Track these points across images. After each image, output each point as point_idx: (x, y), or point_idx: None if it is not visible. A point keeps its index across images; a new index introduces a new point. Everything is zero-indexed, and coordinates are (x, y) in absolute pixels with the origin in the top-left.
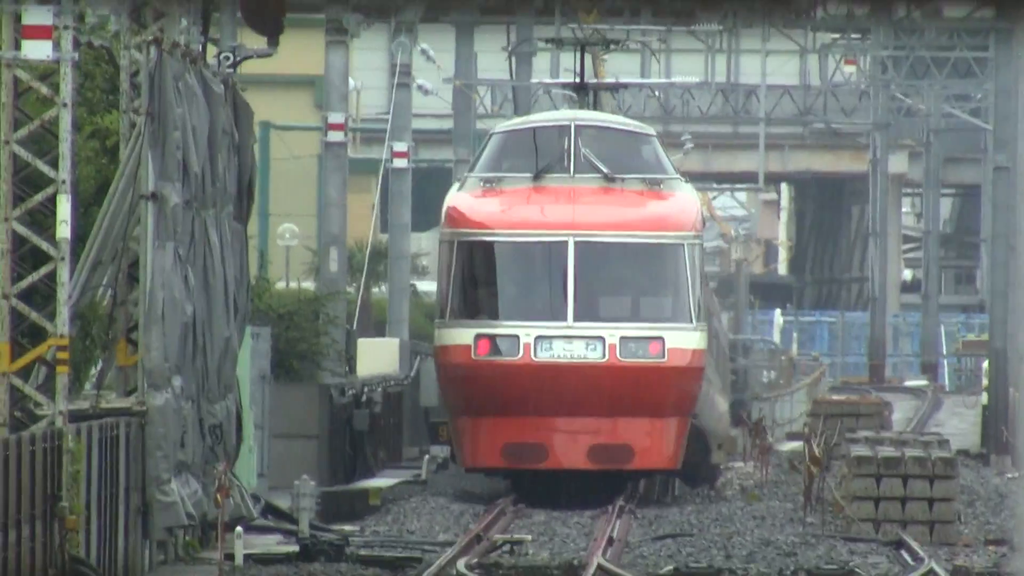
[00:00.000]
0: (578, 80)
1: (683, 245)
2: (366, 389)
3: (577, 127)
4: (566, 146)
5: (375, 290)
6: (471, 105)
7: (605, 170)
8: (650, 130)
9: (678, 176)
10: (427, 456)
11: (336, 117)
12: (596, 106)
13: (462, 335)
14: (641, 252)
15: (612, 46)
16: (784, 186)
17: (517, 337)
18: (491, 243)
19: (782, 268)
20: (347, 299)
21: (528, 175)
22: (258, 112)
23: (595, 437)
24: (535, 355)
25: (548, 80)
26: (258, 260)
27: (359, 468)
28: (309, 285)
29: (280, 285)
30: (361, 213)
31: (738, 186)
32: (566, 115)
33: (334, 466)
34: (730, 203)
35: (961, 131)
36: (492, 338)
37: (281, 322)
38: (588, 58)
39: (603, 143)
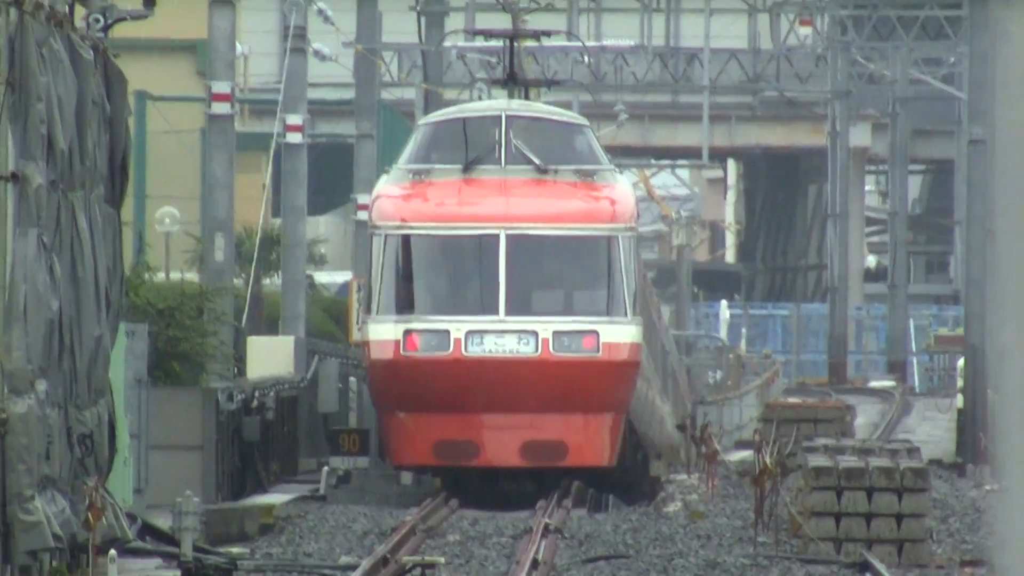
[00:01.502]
0: (507, 75)
1: (618, 237)
2: (257, 394)
3: (508, 118)
4: (497, 137)
5: (267, 282)
6: (375, 73)
7: (537, 161)
8: (584, 121)
9: (612, 167)
10: (326, 468)
11: (221, 87)
12: (527, 91)
13: (390, 330)
14: (575, 245)
15: (535, 3)
16: (731, 162)
17: (447, 332)
18: (420, 236)
19: (730, 255)
20: (235, 293)
21: (458, 167)
22: (133, 81)
23: (528, 434)
24: (466, 350)
25: (463, 44)
26: (134, 248)
27: (249, 483)
28: (192, 277)
29: (159, 277)
30: (250, 195)
31: (680, 162)
32: (497, 105)
33: (221, 481)
34: (671, 181)
35: (931, 100)
36: (421, 333)
37: (160, 319)
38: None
39: (535, 134)
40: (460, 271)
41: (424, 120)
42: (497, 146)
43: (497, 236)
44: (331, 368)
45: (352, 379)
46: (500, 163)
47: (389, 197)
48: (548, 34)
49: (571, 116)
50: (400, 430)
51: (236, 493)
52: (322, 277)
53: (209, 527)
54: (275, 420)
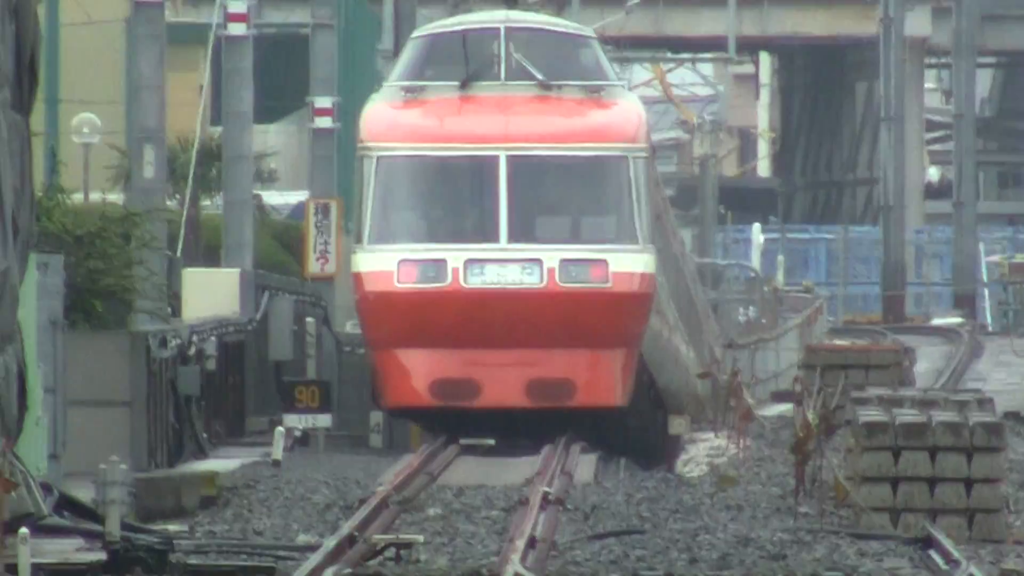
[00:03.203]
0: None
1: (627, 158)
2: (196, 338)
3: (508, 30)
4: (496, 51)
5: (206, 204)
6: None
7: (540, 77)
8: (590, 32)
9: (621, 83)
10: (280, 429)
11: None
12: None
13: (383, 260)
14: (581, 166)
15: None
16: (764, 56)
17: (445, 261)
18: (414, 158)
19: (763, 168)
20: (168, 216)
21: (454, 83)
22: None
23: (533, 371)
24: (465, 281)
25: None
26: (46, 164)
27: (187, 446)
28: (116, 197)
29: (77, 198)
30: (185, 99)
31: (702, 56)
32: (496, 16)
33: (153, 444)
34: (691, 79)
35: None
36: (417, 263)
37: (78, 248)
38: None
39: (537, 47)
40: (458, 196)
41: (417, 33)
42: (496, 60)
43: (497, 157)
44: (284, 307)
45: (310, 320)
46: (500, 79)
47: (379, 116)
48: None
49: (576, 27)
50: (394, 368)
51: (172, 459)
52: (272, 198)
53: (140, 500)
54: (218, 370)
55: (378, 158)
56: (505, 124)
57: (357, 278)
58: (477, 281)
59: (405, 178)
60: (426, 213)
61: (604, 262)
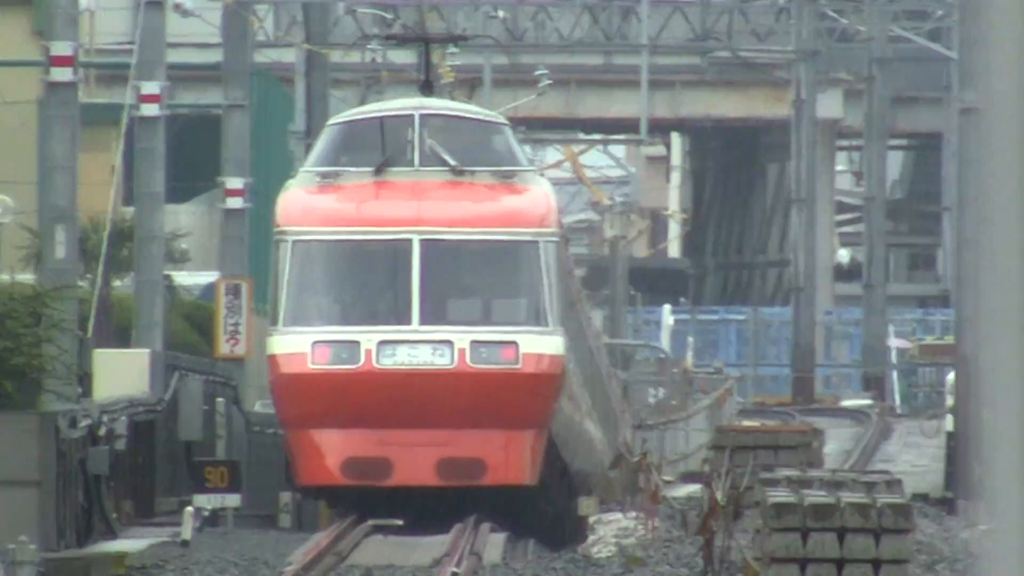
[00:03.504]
0: (422, 79)
1: (538, 243)
2: (106, 418)
3: (422, 116)
4: (410, 137)
5: (117, 284)
6: (247, 31)
7: (453, 163)
8: (503, 120)
9: (533, 168)
10: (190, 509)
11: (62, 48)
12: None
13: (297, 342)
14: (492, 250)
15: None
16: (676, 138)
17: (358, 343)
18: (329, 242)
19: (674, 249)
20: (79, 296)
21: (369, 169)
22: None
23: (444, 451)
24: (377, 362)
25: None
26: None
27: (97, 526)
28: (27, 277)
29: None
30: (98, 179)
31: (614, 137)
32: (410, 103)
33: (62, 523)
34: (603, 161)
35: (915, 62)
36: (330, 344)
37: None
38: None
39: (451, 134)
40: (371, 279)
41: (333, 120)
42: (410, 147)
43: (410, 241)
44: (194, 387)
45: (220, 400)
46: (413, 164)
47: (295, 200)
48: None
49: (489, 114)
50: (308, 448)
51: (81, 538)
52: (183, 278)
53: None
54: (127, 450)
55: (293, 242)
56: (418, 209)
57: (272, 359)
58: (389, 362)
59: (320, 261)
60: (340, 296)
61: (514, 344)
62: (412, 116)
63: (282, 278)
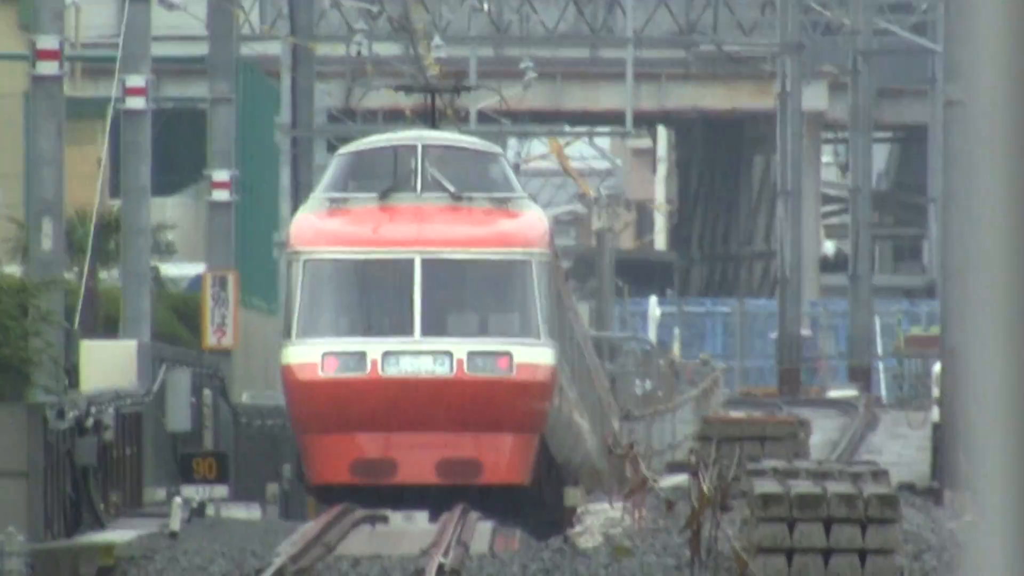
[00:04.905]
0: (429, 124)
1: (530, 262)
2: (93, 410)
3: (424, 147)
4: (412, 166)
5: (104, 276)
6: (232, 24)
7: (452, 189)
8: (497, 149)
9: (525, 195)
10: (178, 500)
11: (47, 41)
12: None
13: (309, 353)
14: (488, 268)
15: None
16: (661, 130)
17: (364, 353)
18: (338, 261)
19: (660, 241)
20: (66, 288)
21: (375, 195)
22: None
23: (443, 452)
24: (382, 371)
25: None
26: None
27: (84, 517)
28: (14, 270)
29: None
30: (84, 172)
31: (599, 130)
32: (412, 135)
33: (50, 515)
34: (588, 153)
35: (900, 54)
36: (339, 355)
37: None
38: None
39: (450, 162)
40: (377, 294)
41: (342, 150)
42: (413, 174)
43: (412, 260)
44: (182, 379)
45: (207, 392)
46: (416, 191)
47: (306, 223)
48: None
49: (485, 145)
50: (319, 450)
51: (69, 529)
52: (170, 270)
53: (36, 571)
54: (115, 441)
55: (305, 261)
56: (420, 231)
57: (285, 369)
58: (393, 371)
59: (329, 278)
60: (348, 310)
61: (508, 354)
62: (415, 146)
63: (294, 294)
